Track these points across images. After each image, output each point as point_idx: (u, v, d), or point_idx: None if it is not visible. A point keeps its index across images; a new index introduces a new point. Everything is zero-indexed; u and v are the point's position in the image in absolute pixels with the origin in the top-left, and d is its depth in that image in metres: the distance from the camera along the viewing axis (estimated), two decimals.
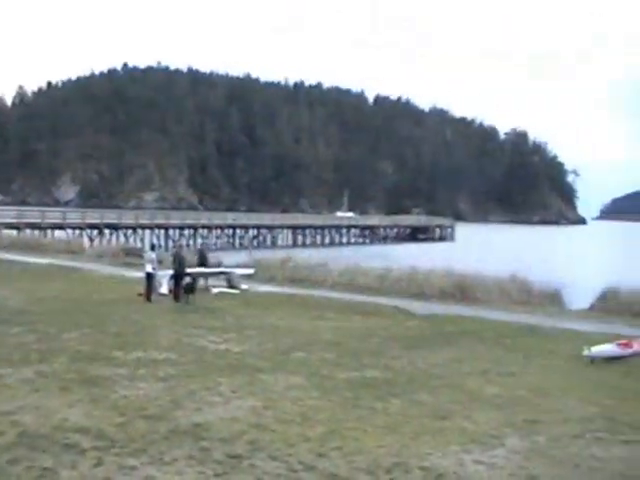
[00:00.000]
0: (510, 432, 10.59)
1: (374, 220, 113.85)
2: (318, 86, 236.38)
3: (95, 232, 64.00)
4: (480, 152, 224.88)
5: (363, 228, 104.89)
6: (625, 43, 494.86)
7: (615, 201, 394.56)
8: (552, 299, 27.66)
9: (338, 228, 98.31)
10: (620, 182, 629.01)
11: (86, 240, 59.22)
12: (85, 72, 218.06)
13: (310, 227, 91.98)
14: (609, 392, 13.44)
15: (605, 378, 14.75)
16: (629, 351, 17.27)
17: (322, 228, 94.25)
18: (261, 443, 9.50)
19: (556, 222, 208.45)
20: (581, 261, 59.26)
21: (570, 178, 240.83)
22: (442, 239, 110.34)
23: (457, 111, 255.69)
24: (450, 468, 8.93)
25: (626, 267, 36.36)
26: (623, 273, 28.80)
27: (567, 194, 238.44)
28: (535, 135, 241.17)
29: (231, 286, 27.58)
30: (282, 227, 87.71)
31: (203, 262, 28.23)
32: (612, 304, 25.75)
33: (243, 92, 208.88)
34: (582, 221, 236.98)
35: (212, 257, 34.69)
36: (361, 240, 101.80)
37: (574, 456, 9.64)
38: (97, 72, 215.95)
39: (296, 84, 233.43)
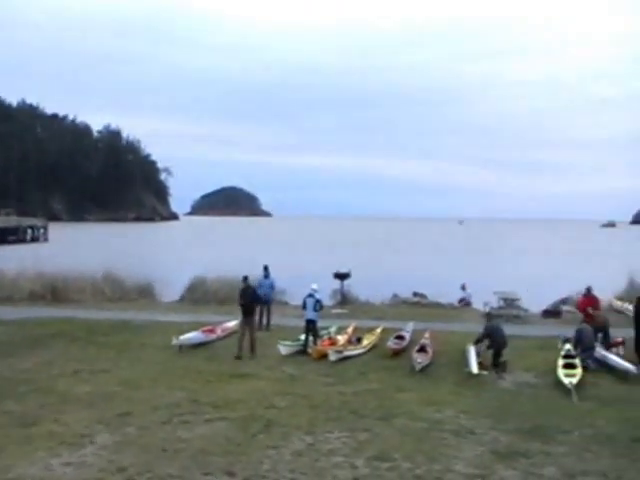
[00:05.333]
0: (101, 428, 10.71)
1: None
2: None
3: None
4: (74, 150, 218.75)
5: None
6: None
7: (204, 197, 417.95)
8: (145, 293, 28.46)
9: None
10: (208, 179, 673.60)
11: None
12: None
13: None
14: (195, 376, 14.38)
15: (192, 364, 15.72)
16: (213, 336, 18.67)
17: None
18: None
19: (151, 219, 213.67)
20: (172, 255, 61.35)
21: (163, 176, 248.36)
22: (35, 240, 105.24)
23: (49, 107, 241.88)
24: (37, 475, 8.73)
25: (211, 258, 38.67)
26: (209, 264, 30.58)
27: (160, 191, 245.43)
28: (128, 133, 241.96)
29: None
30: None
31: None
32: (199, 294, 27.43)
33: None
34: (175, 217, 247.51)
35: None
36: None
37: (162, 441, 10.13)
38: None
39: None
